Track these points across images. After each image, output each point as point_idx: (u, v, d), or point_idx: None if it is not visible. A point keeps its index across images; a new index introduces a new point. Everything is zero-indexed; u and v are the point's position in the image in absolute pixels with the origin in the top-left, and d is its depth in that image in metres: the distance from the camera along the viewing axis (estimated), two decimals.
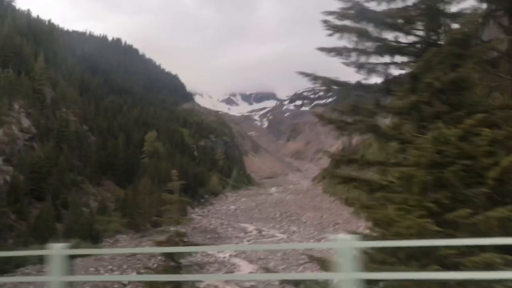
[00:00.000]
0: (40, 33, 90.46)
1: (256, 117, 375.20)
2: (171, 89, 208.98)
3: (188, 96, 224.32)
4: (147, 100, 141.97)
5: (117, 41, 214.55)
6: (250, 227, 59.87)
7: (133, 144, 75.42)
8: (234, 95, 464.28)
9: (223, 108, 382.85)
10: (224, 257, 42.64)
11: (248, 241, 51.82)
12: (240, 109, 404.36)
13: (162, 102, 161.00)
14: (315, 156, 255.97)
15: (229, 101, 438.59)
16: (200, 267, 37.64)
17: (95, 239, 42.96)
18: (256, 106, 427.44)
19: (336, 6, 9.93)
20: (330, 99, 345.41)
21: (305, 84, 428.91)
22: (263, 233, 56.09)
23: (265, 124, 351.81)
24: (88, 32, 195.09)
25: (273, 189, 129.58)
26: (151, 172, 66.40)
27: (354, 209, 10.28)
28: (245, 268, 37.33)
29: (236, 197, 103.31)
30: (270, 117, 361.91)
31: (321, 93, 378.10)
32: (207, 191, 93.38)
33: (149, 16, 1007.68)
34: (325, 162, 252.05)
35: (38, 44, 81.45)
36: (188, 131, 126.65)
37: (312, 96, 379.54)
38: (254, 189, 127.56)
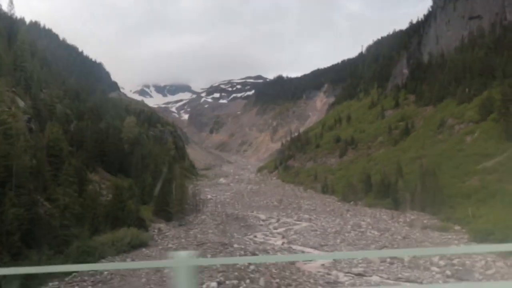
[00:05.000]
0: None
1: (173, 109, 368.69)
2: (96, 77, 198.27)
3: (114, 86, 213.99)
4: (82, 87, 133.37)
5: (35, 24, 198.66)
6: (262, 216, 58.20)
7: (115, 129, 70.11)
8: (147, 86, 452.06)
9: (137, 99, 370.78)
10: (281, 245, 41.21)
11: (275, 228, 50.43)
12: (155, 101, 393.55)
13: (92, 90, 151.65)
14: (240, 148, 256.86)
15: (142, 93, 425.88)
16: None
17: (143, 228, 39.27)
18: (171, 98, 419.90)
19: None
20: (248, 92, 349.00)
21: (220, 77, 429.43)
22: (281, 221, 54.82)
23: (183, 116, 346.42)
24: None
25: (222, 180, 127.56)
26: (153, 160, 62.21)
27: None
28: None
29: (198, 188, 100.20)
30: (188, 109, 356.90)
31: (239, 86, 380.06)
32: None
33: (62, 2, 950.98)
34: (251, 154, 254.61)
35: None
36: (135, 119, 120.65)
37: (229, 89, 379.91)
38: (203, 180, 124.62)
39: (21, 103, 51.35)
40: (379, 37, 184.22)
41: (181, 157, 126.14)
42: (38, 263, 26.88)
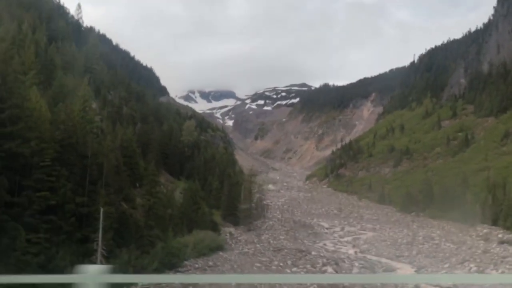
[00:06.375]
0: None
1: (218, 115, 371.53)
2: (147, 82, 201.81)
3: (163, 90, 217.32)
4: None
5: (91, 29, 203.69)
6: (324, 224, 57.47)
7: (175, 133, 70.72)
8: (192, 92, 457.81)
9: (183, 104, 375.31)
10: (355, 254, 40.31)
11: (341, 237, 49.61)
12: (200, 107, 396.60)
13: (143, 94, 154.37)
14: (284, 156, 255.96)
15: (187, 98, 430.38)
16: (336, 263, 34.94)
17: (217, 231, 39.23)
18: (215, 104, 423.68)
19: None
20: (293, 100, 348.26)
21: (264, 84, 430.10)
22: (345, 230, 53.95)
23: (228, 122, 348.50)
24: None
25: (270, 186, 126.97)
26: (217, 164, 62.45)
27: None
28: (404, 268, 34.90)
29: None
30: (232, 115, 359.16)
31: (284, 94, 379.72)
32: None
33: (114, 8, 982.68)
34: (295, 161, 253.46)
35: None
36: (194, 123, 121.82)
37: (274, 96, 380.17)
38: (252, 186, 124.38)
39: (93, 104, 52.41)
40: (433, 46, 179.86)
41: (231, 163, 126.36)
42: (128, 262, 27.03)
